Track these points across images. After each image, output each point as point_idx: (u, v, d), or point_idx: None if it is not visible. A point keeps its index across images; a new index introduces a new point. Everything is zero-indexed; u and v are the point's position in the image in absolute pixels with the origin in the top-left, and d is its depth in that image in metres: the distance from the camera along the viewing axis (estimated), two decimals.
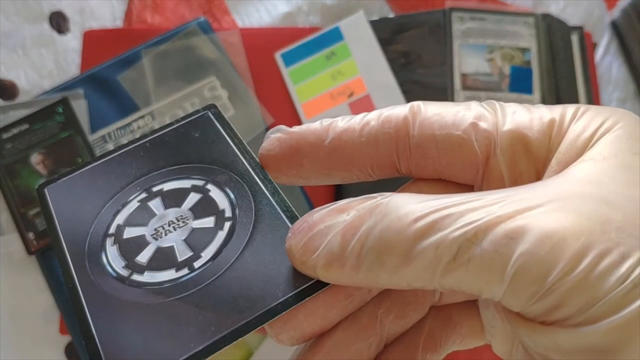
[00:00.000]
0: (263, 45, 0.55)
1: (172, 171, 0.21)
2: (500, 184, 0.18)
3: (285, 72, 0.54)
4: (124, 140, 0.51)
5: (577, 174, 0.16)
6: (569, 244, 0.14)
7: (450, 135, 0.18)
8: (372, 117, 0.19)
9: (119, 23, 0.56)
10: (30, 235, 0.49)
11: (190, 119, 0.22)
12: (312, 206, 0.49)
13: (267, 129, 0.52)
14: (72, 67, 0.54)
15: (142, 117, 0.52)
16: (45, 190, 0.21)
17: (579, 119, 0.18)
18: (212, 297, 0.18)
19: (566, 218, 0.15)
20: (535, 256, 0.14)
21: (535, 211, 0.15)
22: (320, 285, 0.18)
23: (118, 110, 0.52)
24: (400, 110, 0.19)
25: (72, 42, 0.55)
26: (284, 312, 0.17)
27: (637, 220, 0.15)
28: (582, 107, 0.18)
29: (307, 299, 0.18)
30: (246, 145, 0.21)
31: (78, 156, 0.50)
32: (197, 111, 0.23)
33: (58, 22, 0.55)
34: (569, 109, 0.18)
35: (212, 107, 0.23)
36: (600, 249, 0.14)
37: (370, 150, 0.19)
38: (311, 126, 0.20)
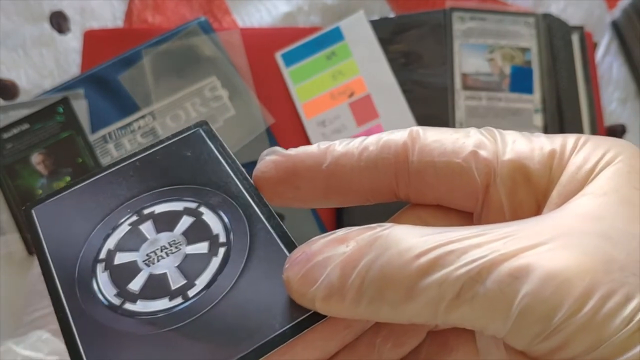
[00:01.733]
0: (263, 45, 0.55)
1: (164, 192, 0.20)
2: (499, 213, 0.18)
3: (286, 72, 0.54)
4: (125, 141, 0.51)
5: (579, 209, 0.16)
6: (575, 285, 0.14)
7: (449, 163, 0.18)
8: (370, 142, 0.19)
9: (119, 23, 0.56)
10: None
11: (181, 136, 0.21)
12: (320, 220, 0.49)
13: (268, 129, 0.52)
14: (72, 67, 0.54)
15: (142, 117, 0.52)
16: (33, 211, 0.20)
17: (579, 151, 0.18)
18: (207, 329, 0.17)
19: (569, 257, 0.15)
20: (540, 296, 0.14)
21: (539, 249, 0.15)
22: (318, 316, 0.17)
23: (118, 110, 0.52)
24: (399, 135, 0.19)
25: (72, 42, 0.55)
26: (282, 346, 0.17)
27: (639, 258, 0.15)
28: (583, 137, 0.18)
29: (305, 331, 0.17)
30: (239, 165, 0.21)
31: (78, 156, 0.50)
32: (189, 128, 0.22)
33: (58, 21, 0.55)
34: (569, 139, 0.18)
35: (203, 123, 0.22)
36: (605, 289, 0.14)
37: (369, 175, 0.19)
38: (308, 149, 0.20)
